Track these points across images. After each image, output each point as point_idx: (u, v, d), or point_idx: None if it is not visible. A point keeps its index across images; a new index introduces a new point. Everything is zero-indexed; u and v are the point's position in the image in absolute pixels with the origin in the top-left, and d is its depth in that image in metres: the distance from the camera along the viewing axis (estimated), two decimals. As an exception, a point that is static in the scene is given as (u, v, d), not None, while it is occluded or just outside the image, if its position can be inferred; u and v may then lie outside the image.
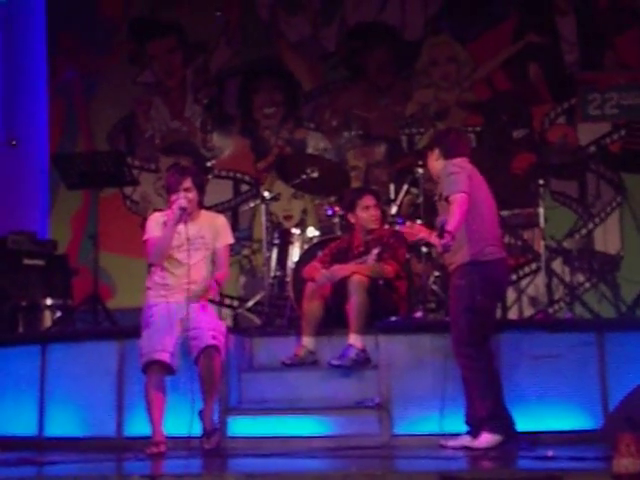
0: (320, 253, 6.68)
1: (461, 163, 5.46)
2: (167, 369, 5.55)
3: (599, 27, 8.87)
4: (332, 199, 7.54)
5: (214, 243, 5.79)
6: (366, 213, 6.44)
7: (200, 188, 5.83)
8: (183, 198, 5.66)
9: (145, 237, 5.76)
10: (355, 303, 6.03)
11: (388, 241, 6.42)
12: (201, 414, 5.61)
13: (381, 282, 6.27)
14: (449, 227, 5.13)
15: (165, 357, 5.51)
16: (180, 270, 5.70)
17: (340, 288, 6.18)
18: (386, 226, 6.85)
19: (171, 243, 5.67)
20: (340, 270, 6.23)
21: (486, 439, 5.27)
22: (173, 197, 5.72)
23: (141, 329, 5.66)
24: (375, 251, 6.40)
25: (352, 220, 6.53)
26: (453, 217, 5.19)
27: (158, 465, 5.17)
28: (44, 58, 9.54)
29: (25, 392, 6.30)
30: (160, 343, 5.52)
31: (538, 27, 8.95)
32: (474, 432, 5.38)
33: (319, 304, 6.25)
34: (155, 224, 5.76)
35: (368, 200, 6.47)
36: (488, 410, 5.30)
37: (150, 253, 5.73)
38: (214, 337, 5.56)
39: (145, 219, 5.95)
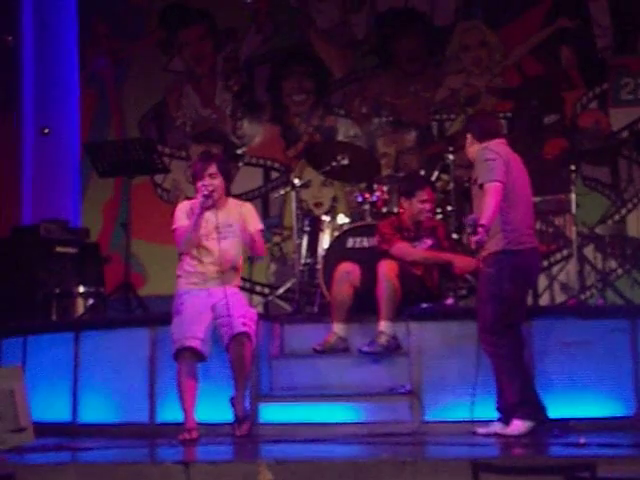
0: (377, 235, 6.62)
1: (497, 147, 5.40)
2: (198, 356, 5.58)
3: (632, 11, 8.77)
4: (362, 186, 7.52)
5: (244, 230, 5.80)
6: (421, 205, 6.44)
7: (226, 175, 5.84)
8: (207, 185, 5.67)
9: (174, 226, 5.79)
10: (384, 289, 6.03)
11: (438, 235, 6.48)
12: (232, 401, 5.64)
13: (418, 271, 6.30)
14: (483, 221, 5.11)
15: (196, 344, 5.54)
16: (210, 258, 5.72)
17: (369, 274, 6.18)
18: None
19: (199, 231, 5.69)
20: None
21: (517, 426, 5.26)
22: (199, 184, 5.73)
23: (172, 316, 5.70)
24: (429, 242, 6.44)
25: (405, 206, 6.53)
26: (487, 209, 5.16)
27: (190, 451, 5.20)
28: (75, 46, 9.57)
29: (59, 379, 6.36)
30: (191, 330, 5.55)
31: (570, 11, 8.86)
32: (505, 419, 5.38)
33: (348, 290, 6.24)
34: (183, 213, 5.78)
35: (427, 194, 6.48)
36: (517, 396, 5.29)
37: (179, 242, 5.76)
38: (245, 324, 5.58)
39: (176, 207, 5.98)
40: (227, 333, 5.58)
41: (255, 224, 5.85)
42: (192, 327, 5.58)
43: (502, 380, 5.37)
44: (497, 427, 5.38)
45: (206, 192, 5.65)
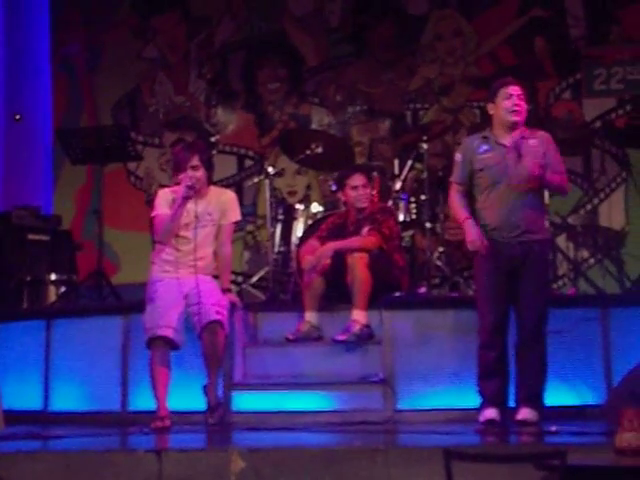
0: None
1: None
2: (171, 344, 5.56)
3: (605, 1, 8.80)
4: (336, 175, 7.51)
5: (220, 219, 5.78)
6: (354, 192, 6.36)
7: (208, 165, 5.81)
8: (190, 177, 5.64)
9: (153, 213, 5.76)
10: (357, 279, 6.00)
11: (376, 216, 6.37)
12: (205, 389, 5.63)
13: (381, 258, 6.25)
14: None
15: (169, 333, 5.53)
16: (186, 247, 5.70)
17: (338, 263, 6.15)
18: (390, 202, 6.87)
19: (179, 222, 5.66)
20: (325, 251, 6.19)
21: (527, 414, 5.23)
22: (181, 176, 5.68)
23: (145, 304, 5.67)
24: (365, 229, 6.32)
25: (343, 198, 6.52)
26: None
27: (162, 439, 5.20)
28: (47, 32, 9.49)
29: (30, 367, 6.33)
30: (164, 319, 5.54)
31: (544, 1, 8.88)
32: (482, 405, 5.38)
33: (319, 278, 6.20)
34: (164, 201, 5.74)
35: (356, 180, 6.38)
36: (544, 388, 5.32)
37: (158, 231, 5.73)
38: (218, 312, 5.57)
39: (149, 195, 5.95)
40: (200, 321, 5.56)
41: (232, 215, 5.83)
42: (165, 316, 5.56)
43: (538, 370, 5.32)
44: (492, 413, 5.33)
45: (189, 183, 5.61)
